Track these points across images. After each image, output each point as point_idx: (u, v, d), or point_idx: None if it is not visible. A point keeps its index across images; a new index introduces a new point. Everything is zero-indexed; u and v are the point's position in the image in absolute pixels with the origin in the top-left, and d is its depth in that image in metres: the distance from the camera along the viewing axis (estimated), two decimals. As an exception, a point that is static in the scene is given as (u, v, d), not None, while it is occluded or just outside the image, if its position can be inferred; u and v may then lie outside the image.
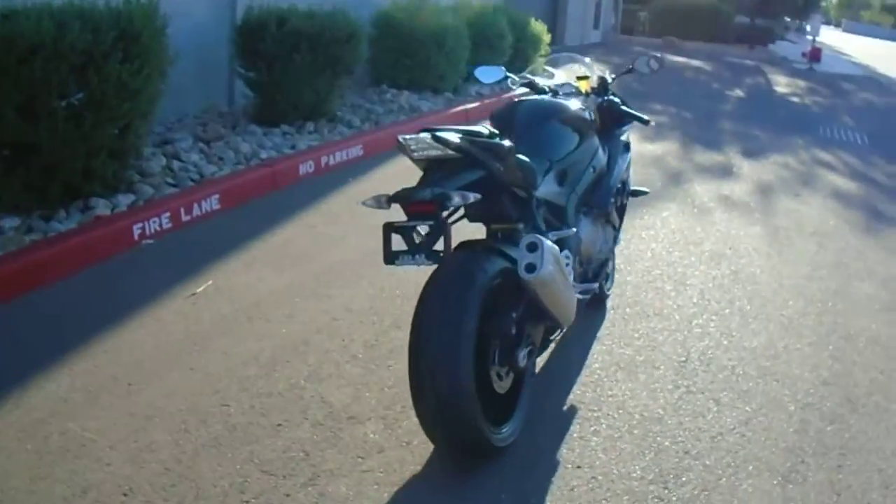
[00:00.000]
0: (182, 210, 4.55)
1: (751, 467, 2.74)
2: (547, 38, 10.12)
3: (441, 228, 2.39)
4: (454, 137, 2.41)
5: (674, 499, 2.54)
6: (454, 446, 2.55)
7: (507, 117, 3.22)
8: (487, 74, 3.96)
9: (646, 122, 3.65)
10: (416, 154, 2.45)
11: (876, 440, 3.00)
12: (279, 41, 5.87)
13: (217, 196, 4.79)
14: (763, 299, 4.25)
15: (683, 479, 2.65)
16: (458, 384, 2.35)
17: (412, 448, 2.70)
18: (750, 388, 3.28)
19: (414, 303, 2.48)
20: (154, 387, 2.96)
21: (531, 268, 2.42)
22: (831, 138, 9.82)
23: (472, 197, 2.43)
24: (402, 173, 5.37)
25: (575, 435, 2.85)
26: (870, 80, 17.92)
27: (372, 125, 6.71)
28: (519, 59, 9.35)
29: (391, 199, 2.44)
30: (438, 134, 2.41)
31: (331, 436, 2.74)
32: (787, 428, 3.01)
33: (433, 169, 2.52)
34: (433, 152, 2.44)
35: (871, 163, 8.64)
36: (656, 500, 2.53)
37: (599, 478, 2.62)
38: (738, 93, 12.55)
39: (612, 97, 3.72)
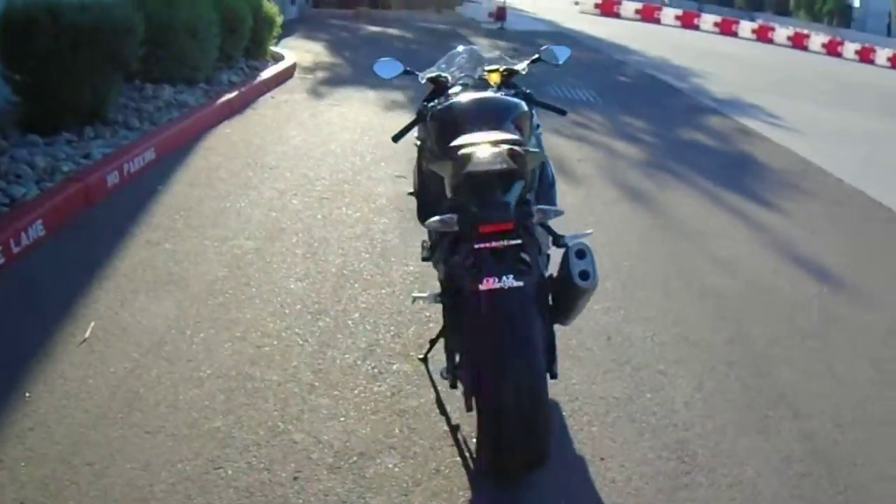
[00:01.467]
0: (11, 242, 4.05)
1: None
2: (280, 18, 9.93)
3: (528, 245, 2.50)
4: (518, 149, 2.53)
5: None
6: (528, 463, 2.66)
7: (482, 115, 3.19)
8: (386, 69, 3.93)
9: (563, 113, 3.69)
10: (479, 167, 2.50)
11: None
12: (55, 37, 5.28)
13: (40, 221, 4.31)
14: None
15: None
16: (541, 400, 2.53)
17: (446, 475, 2.83)
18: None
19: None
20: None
21: (585, 275, 2.51)
22: (569, 98, 10.68)
23: (555, 213, 2.53)
24: (204, 175, 5.25)
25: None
26: (560, 35, 19.63)
27: (149, 125, 6.27)
28: (255, 43, 9.11)
29: (465, 221, 2.50)
30: (510, 147, 2.52)
31: (357, 478, 2.77)
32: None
33: (487, 183, 2.59)
34: (498, 166, 2.50)
35: (618, 120, 9.59)
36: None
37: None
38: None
39: (525, 90, 3.84)
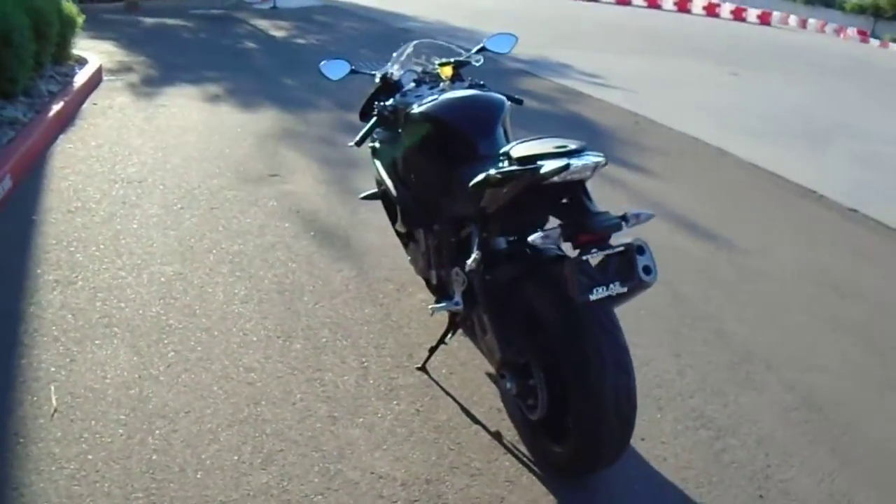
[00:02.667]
0: None
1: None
2: (81, 18, 8.98)
3: (630, 252, 2.45)
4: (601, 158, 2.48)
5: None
6: (617, 457, 2.66)
7: (478, 116, 3.20)
8: (334, 70, 3.72)
9: (520, 102, 3.64)
10: (576, 176, 2.44)
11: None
12: None
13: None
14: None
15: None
16: (634, 400, 2.54)
17: (523, 485, 2.74)
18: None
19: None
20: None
21: (648, 270, 2.50)
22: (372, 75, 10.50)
23: (647, 217, 2.52)
24: (75, 198, 4.88)
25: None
26: (333, 8, 19.22)
27: (-13, 145, 5.49)
28: (59, 47, 8.19)
29: (569, 232, 2.43)
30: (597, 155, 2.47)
31: None
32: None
33: (574, 192, 2.53)
34: (583, 174, 2.46)
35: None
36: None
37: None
38: (250, 45, 12.65)
39: (479, 81, 3.70)
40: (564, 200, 2.59)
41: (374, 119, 3.57)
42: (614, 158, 7.19)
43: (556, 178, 2.43)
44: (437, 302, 3.36)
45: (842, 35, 38.49)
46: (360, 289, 4.16)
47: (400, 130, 3.44)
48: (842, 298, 4.82)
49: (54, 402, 3.00)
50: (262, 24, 15.09)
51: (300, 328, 3.71)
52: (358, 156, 6.46)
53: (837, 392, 3.68)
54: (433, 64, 3.75)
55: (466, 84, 3.62)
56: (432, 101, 3.28)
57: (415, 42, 3.83)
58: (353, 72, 3.76)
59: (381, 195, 3.87)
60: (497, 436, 3.06)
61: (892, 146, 9.86)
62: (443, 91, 3.53)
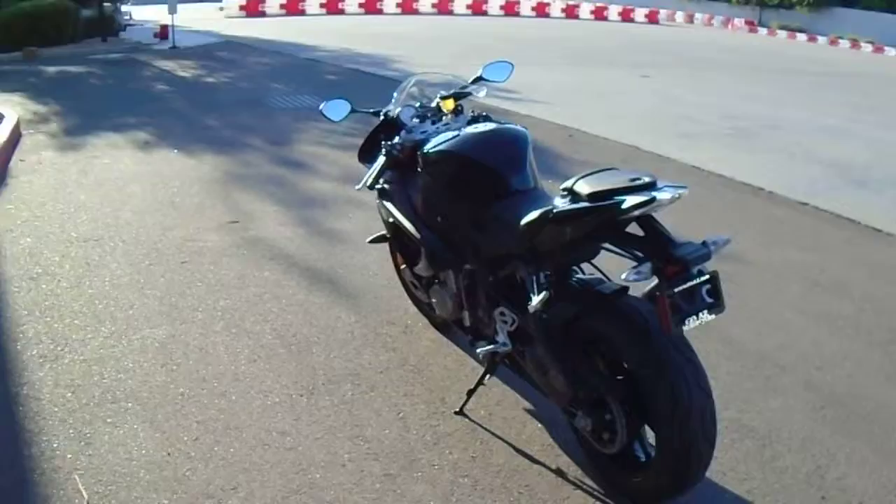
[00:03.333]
0: None
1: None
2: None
3: (716, 279, 2.45)
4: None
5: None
6: (702, 478, 2.64)
7: (508, 151, 3.16)
8: (335, 111, 3.60)
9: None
10: (661, 206, 2.41)
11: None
12: None
13: None
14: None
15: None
16: (716, 420, 2.54)
17: None
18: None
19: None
20: None
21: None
22: (301, 106, 10.26)
23: (724, 242, 2.49)
24: (34, 263, 4.84)
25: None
26: (231, 43, 18.76)
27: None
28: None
29: (658, 264, 2.38)
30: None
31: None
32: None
33: (652, 224, 2.51)
34: (664, 206, 2.42)
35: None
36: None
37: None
38: (161, 87, 12.21)
39: (483, 113, 3.61)
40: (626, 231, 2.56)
41: (382, 159, 3.45)
42: (560, 175, 7.15)
43: (635, 213, 2.36)
44: (476, 343, 3.25)
45: (729, 27, 39.67)
46: (367, 335, 4.00)
47: (419, 169, 3.33)
48: (826, 293, 4.95)
49: (84, 494, 2.73)
50: (166, 64, 14.63)
51: (320, 383, 3.53)
52: (314, 194, 6.33)
53: (854, 386, 3.77)
54: (429, 97, 3.65)
55: (468, 117, 3.54)
56: (455, 137, 3.22)
57: (415, 78, 3.76)
58: (353, 111, 3.64)
59: (392, 237, 3.72)
60: (560, 473, 2.98)
61: (812, 136, 10.26)
62: (448, 125, 3.47)
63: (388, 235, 3.84)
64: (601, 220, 2.50)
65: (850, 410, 3.53)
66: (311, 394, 3.43)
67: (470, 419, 3.28)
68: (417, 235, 3.38)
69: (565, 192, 2.64)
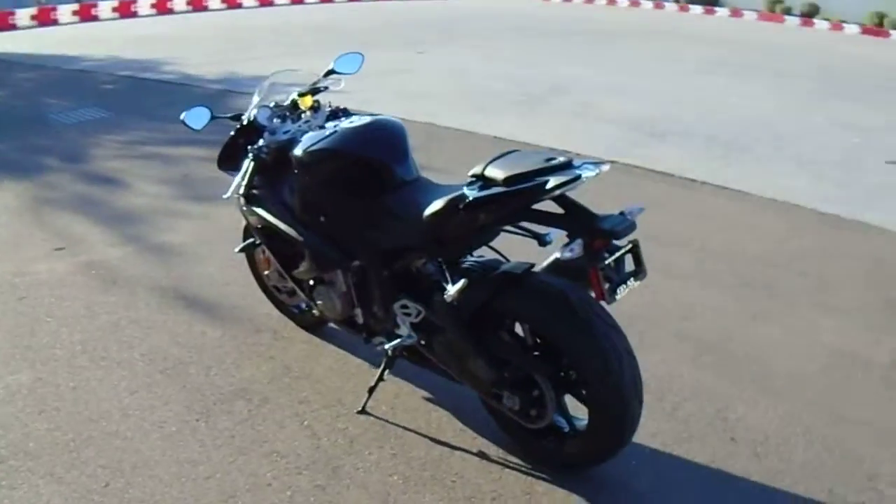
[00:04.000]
0: None
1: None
2: None
3: (637, 247, 2.67)
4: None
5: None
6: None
7: (389, 143, 3.25)
8: (196, 119, 3.52)
9: None
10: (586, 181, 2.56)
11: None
12: None
13: None
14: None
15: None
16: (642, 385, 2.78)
17: (541, 488, 2.91)
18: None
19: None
20: None
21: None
22: (83, 120, 9.56)
23: (639, 209, 2.69)
24: None
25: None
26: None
27: None
28: None
29: (592, 239, 2.54)
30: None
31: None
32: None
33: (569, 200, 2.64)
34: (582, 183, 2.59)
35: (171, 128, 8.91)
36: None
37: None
38: None
39: (342, 107, 3.65)
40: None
41: (250, 164, 3.44)
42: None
43: (556, 192, 2.54)
44: (369, 340, 3.35)
45: None
46: (239, 347, 3.98)
47: (296, 171, 3.32)
48: (666, 247, 5.34)
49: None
50: None
51: (212, 404, 3.50)
52: (133, 210, 6.08)
53: (722, 331, 4.25)
54: (285, 96, 3.66)
55: (326, 112, 3.59)
56: (332, 135, 3.24)
57: (270, 78, 3.71)
58: (213, 118, 3.57)
59: (265, 242, 3.70)
60: (483, 455, 3.17)
61: (598, 96, 10.92)
62: (308, 123, 3.51)
63: (256, 242, 3.81)
64: (521, 204, 2.63)
65: (726, 354, 3.97)
66: (207, 417, 3.39)
67: (376, 417, 3.39)
68: (299, 238, 3.38)
69: (474, 179, 2.75)
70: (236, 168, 3.62)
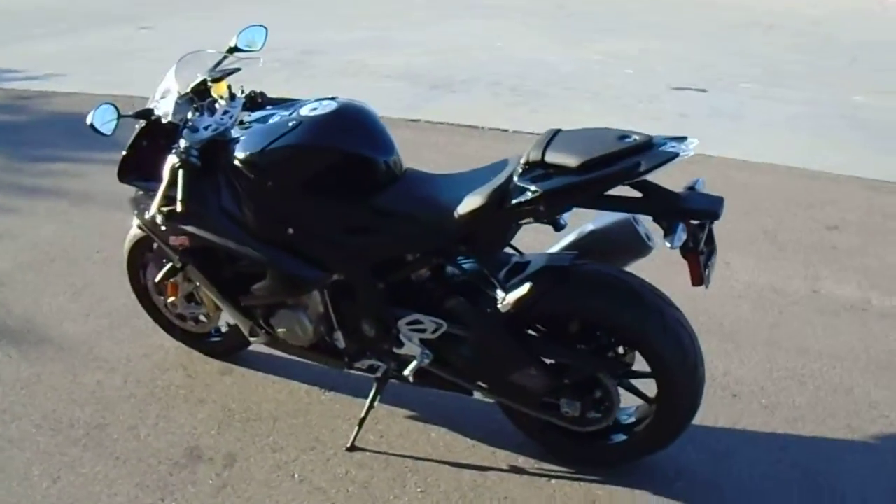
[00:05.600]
0: None
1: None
2: None
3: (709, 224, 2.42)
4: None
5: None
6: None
7: (371, 132, 2.76)
8: (103, 119, 2.80)
9: None
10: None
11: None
12: None
13: None
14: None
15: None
16: None
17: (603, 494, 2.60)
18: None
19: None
20: None
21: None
22: None
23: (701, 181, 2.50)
24: None
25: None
26: None
27: None
28: None
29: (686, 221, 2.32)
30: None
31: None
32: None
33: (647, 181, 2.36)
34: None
35: None
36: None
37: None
38: None
39: (260, 91, 3.08)
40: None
41: (178, 171, 2.72)
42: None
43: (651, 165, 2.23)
44: (355, 364, 2.93)
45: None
46: (154, 393, 3.36)
47: (250, 176, 2.72)
48: None
49: None
50: None
51: (167, 474, 2.89)
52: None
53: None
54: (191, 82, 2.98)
55: (243, 98, 3.01)
56: (295, 128, 2.66)
57: (175, 65, 3.01)
58: (120, 116, 2.86)
59: (197, 266, 3.05)
60: (518, 469, 2.88)
61: (359, 53, 10.28)
62: (229, 113, 2.88)
63: (178, 266, 3.09)
64: (604, 189, 2.32)
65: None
66: (169, 493, 2.78)
67: (371, 451, 2.96)
68: (259, 256, 2.80)
69: (529, 166, 2.37)
70: (148, 178, 2.95)
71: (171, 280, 3.30)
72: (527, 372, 2.62)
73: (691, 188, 2.40)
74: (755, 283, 4.22)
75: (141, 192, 3.09)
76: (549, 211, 2.37)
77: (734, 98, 7.94)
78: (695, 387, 2.56)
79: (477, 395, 2.84)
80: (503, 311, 2.50)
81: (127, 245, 3.46)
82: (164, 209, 2.79)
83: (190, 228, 2.90)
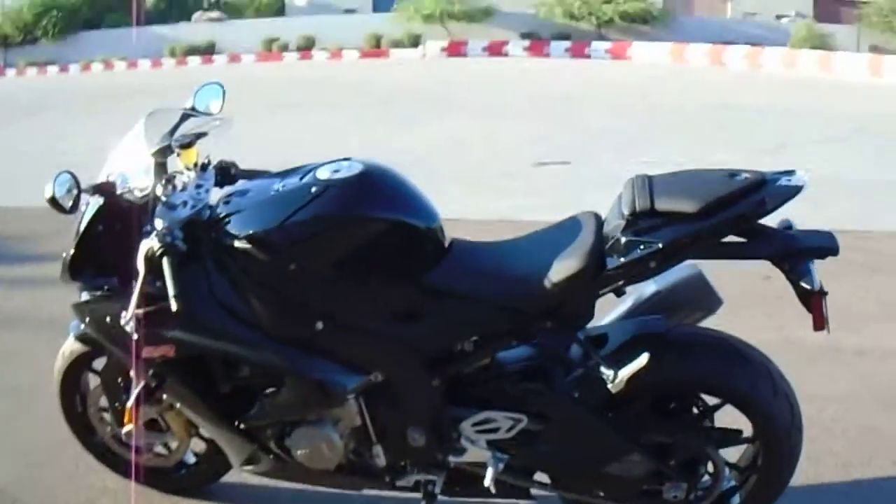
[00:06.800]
0: None
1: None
2: None
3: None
4: None
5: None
6: None
7: (409, 196, 2.35)
8: (63, 191, 2.24)
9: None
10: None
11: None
12: None
13: None
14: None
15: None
16: None
17: None
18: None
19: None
20: None
21: None
22: None
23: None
24: None
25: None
26: None
27: None
28: None
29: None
30: None
31: None
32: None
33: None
34: None
35: None
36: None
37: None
38: None
39: (231, 161, 2.57)
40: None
41: (163, 260, 2.14)
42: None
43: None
44: (398, 480, 2.43)
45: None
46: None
47: (263, 259, 2.22)
48: None
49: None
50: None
51: None
52: None
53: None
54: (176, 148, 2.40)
55: (218, 165, 2.52)
56: (317, 196, 2.18)
57: (143, 121, 2.46)
58: (81, 192, 2.30)
59: (178, 380, 2.43)
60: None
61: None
62: (202, 187, 2.37)
63: (152, 384, 2.42)
64: (724, 235, 2.09)
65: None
66: None
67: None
68: (278, 361, 2.27)
69: (635, 216, 2.08)
70: (106, 275, 2.39)
71: (129, 405, 2.64)
72: (627, 459, 2.28)
73: (789, 227, 2.17)
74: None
75: (88, 296, 2.47)
76: (662, 267, 2.11)
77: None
78: (798, 451, 2.34)
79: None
80: (615, 390, 2.15)
81: (60, 364, 2.80)
82: (143, 311, 2.21)
83: (178, 334, 2.30)
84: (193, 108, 2.56)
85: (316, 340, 2.25)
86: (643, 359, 2.10)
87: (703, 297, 2.35)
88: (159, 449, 2.89)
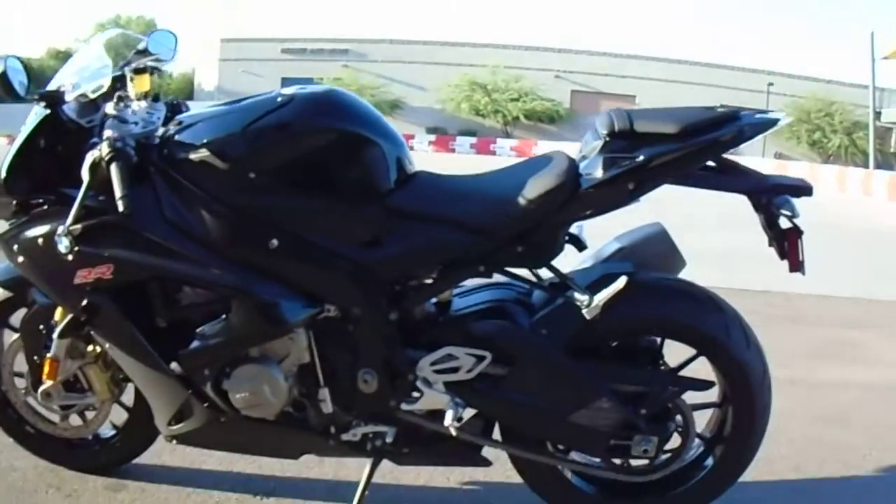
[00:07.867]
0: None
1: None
2: None
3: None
4: None
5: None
6: None
7: (375, 119, 2.21)
8: (14, 73, 2.12)
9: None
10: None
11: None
12: None
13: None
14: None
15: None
16: None
17: None
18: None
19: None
20: None
21: None
22: None
23: None
24: None
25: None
26: None
27: None
28: None
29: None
30: None
31: None
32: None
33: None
34: None
35: None
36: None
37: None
38: None
39: (176, 98, 2.42)
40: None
41: (111, 167, 1.95)
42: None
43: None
44: (344, 433, 2.20)
45: None
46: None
47: (222, 169, 2.05)
48: None
49: None
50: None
51: None
52: None
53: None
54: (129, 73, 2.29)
55: (169, 101, 2.38)
56: (284, 104, 2.06)
57: (100, 35, 2.37)
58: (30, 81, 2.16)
59: (110, 309, 2.14)
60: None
61: None
62: (152, 114, 2.25)
63: (81, 317, 2.13)
64: (705, 160, 2.02)
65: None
66: None
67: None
68: (226, 280, 2.05)
69: (613, 136, 2.00)
70: (44, 187, 2.18)
71: (50, 356, 2.39)
72: (596, 407, 2.10)
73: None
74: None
75: (15, 225, 2.22)
76: (640, 190, 2.02)
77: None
78: (767, 413, 2.24)
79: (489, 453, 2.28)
80: (589, 316, 2.02)
81: None
82: (81, 224, 2.01)
83: (119, 252, 2.07)
84: (146, 49, 2.42)
85: (269, 260, 2.06)
86: (621, 282, 2.00)
87: (668, 254, 2.27)
88: (74, 419, 2.61)
